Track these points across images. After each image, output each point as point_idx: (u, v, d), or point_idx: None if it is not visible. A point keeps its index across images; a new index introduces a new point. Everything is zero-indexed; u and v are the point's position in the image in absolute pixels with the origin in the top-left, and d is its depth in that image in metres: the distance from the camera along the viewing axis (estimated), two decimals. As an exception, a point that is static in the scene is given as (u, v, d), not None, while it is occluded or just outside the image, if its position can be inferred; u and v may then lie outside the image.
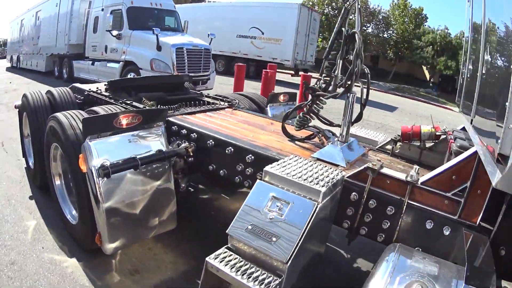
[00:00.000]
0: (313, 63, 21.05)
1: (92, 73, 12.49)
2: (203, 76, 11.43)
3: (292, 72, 20.66)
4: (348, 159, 2.95)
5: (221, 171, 3.26)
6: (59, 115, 3.44)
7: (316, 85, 3.33)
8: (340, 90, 3.08)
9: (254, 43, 20.53)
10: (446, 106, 22.24)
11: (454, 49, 27.90)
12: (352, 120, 3.15)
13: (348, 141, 3.14)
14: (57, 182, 3.79)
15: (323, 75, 3.26)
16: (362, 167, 2.51)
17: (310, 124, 3.50)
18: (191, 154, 3.29)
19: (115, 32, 11.29)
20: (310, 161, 2.68)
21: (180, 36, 11.95)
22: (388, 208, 2.38)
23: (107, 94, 4.50)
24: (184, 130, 3.47)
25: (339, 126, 3.23)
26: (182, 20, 13.15)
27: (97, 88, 4.79)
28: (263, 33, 19.98)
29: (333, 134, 3.34)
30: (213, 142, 3.25)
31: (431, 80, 31.41)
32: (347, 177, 2.54)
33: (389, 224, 2.39)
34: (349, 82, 2.96)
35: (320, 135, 3.42)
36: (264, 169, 2.44)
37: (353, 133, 3.62)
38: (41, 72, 16.22)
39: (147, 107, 3.83)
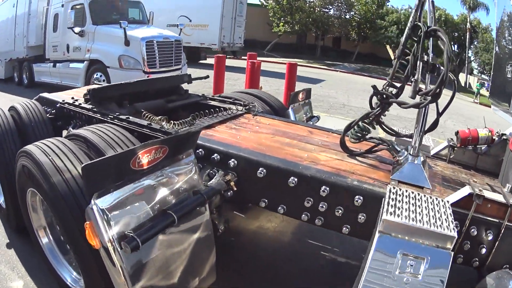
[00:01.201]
0: (242, 44, 21.48)
1: (54, 76, 10.91)
2: (176, 70, 10.27)
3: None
4: None
5: (280, 207, 2.35)
6: (32, 149, 2.37)
7: (384, 90, 2.50)
8: (416, 99, 2.32)
9: (183, 31, 20.11)
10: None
11: (419, 28, 27.83)
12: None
13: (419, 154, 2.45)
14: (44, 239, 2.69)
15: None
16: (467, 193, 2.08)
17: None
18: (235, 188, 2.33)
19: (77, 29, 9.83)
20: (413, 192, 2.06)
21: (147, 28, 10.66)
22: (488, 233, 2.10)
23: (89, 107, 3.39)
24: (217, 154, 2.49)
25: (407, 136, 2.80)
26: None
27: (73, 98, 3.64)
28: (190, 21, 19.71)
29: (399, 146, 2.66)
30: (265, 171, 2.31)
31: (396, 58, 31.24)
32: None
33: (486, 249, 2.13)
34: (438, 90, 2.19)
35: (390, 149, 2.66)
36: (383, 218, 1.78)
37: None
38: (1, 80, 14.45)
39: (154, 124, 2.79)
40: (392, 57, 2.56)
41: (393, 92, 2.45)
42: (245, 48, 21.40)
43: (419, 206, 1.91)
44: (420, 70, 2.23)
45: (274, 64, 21.31)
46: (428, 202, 1.97)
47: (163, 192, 1.99)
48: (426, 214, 1.84)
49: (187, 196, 2.09)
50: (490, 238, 2.09)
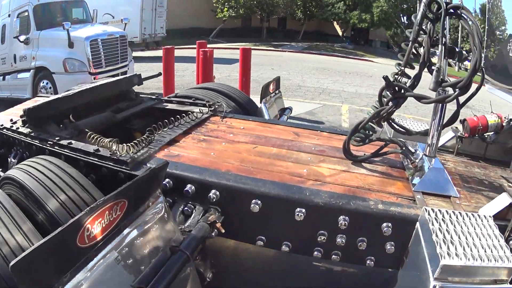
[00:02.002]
0: (164, 34, 21.29)
1: (4, 90, 9.75)
2: (123, 68, 9.41)
3: (143, 48, 20.66)
4: None
5: (284, 245, 1.77)
6: None
7: (395, 80, 1.95)
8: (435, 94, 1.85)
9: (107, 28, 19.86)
10: (366, 59, 21.14)
11: (366, 2, 26.31)
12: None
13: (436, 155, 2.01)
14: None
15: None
16: (507, 204, 1.67)
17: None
18: (222, 230, 1.72)
19: (22, 37, 8.82)
20: (454, 212, 1.60)
21: (91, 26, 9.71)
22: None
23: (26, 131, 2.61)
24: (191, 185, 1.84)
25: (421, 134, 2.27)
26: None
27: (12, 120, 2.84)
28: (113, 17, 18.86)
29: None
30: (260, 204, 1.70)
31: (344, 34, 30.75)
32: None
33: None
34: (468, 81, 1.73)
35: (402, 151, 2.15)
36: (443, 263, 1.35)
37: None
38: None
39: (102, 150, 2.10)
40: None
41: (408, 84, 1.91)
42: (193, 37, 20.56)
43: (469, 233, 1.50)
44: (442, 56, 1.71)
45: (220, 50, 20.36)
46: (474, 225, 1.57)
47: (130, 263, 1.34)
48: (481, 244, 1.46)
49: (163, 257, 1.45)
50: None
